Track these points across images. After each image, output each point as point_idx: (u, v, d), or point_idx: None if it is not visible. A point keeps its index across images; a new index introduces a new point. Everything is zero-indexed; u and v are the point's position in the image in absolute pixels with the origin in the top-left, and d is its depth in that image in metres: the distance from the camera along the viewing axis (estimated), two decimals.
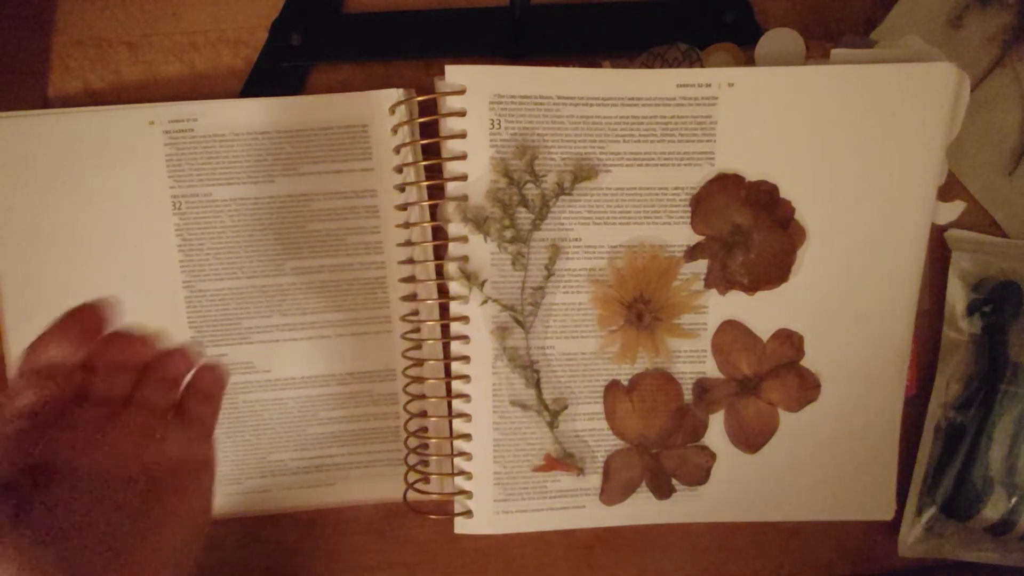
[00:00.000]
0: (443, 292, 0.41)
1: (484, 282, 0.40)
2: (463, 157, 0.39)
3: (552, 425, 0.42)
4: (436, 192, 0.41)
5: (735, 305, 0.41)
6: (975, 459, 0.42)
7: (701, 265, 0.41)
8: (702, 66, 0.41)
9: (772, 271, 0.41)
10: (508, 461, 0.42)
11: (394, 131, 0.41)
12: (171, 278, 0.42)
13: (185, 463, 0.28)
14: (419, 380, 0.42)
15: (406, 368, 0.42)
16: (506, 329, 0.41)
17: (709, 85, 0.39)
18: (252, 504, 0.44)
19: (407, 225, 0.41)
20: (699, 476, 0.43)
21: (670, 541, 0.47)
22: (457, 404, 0.42)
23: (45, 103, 0.43)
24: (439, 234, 0.41)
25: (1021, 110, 0.44)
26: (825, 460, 0.43)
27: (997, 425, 0.42)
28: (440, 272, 0.41)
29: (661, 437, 0.42)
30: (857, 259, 0.40)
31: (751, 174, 0.40)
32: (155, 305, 0.42)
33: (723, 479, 0.43)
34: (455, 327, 0.41)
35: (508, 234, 0.40)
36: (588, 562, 0.47)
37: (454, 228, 0.40)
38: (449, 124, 0.39)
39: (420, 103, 0.40)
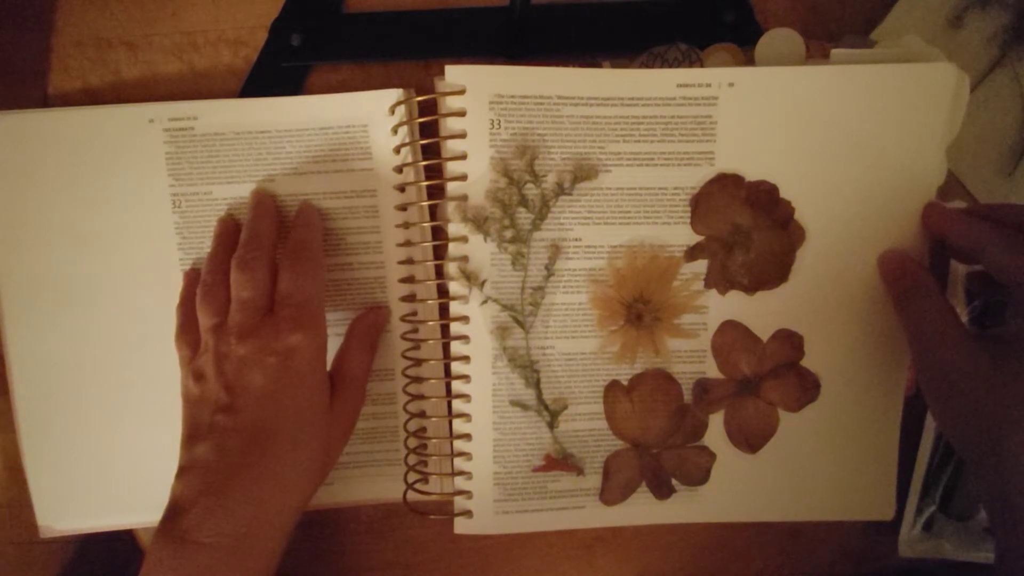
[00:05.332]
0: (443, 292, 0.41)
1: (484, 282, 0.40)
2: (463, 157, 0.39)
3: (552, 425, 0.42)
4: (436, 192, 0.41)
5: (735, 305, 0.41)
6: None
7: (701, 265, 0.41)
8: (702, 66, 0.41)
9: (772, 271, 0.41)
10: (508, 461, 0.42)
11: (394, 131, 0.41)
12: (171, 276, 0.42)
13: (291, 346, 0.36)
14: (418, 380, 0.42)
15: (405, 368, 0.42)
16: (506, 329, 0.41)
17: (709, 85, 0.39)
18: None
19: (407, 225, 0.41)
20: (699, 476, 0.43)
21: (670, 541, 0.47)
22: (457, 404, 0.42)
23: (45, 102, 0.43)
24: (439, 234, 0.41)
25: (1021, 110, 0.44)
26: (825, 460, 0.43)
27: None
28: (440, 272, 0.41)
29: (661, 437, 0.42)
30: (857, 259, 0.40)
31: (751, 174, 0.40)
32: (155, 303, 0.42)
33: (723, 479, 0.43)
34: (455, 327, 0.41)
35: (508, 234, 0.40)
36: (588, 562, 0.47)
37: (454, 228, 0.40)
38: (449, 124, 0.39)
39: (420, 103, 0.40)
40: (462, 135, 0.39)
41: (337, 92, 0.41)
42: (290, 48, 0.43)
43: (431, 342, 0.42)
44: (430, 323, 0.42)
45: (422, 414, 0.43)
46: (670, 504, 0.43)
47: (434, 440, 0.42)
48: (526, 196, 0.40)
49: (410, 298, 0.43)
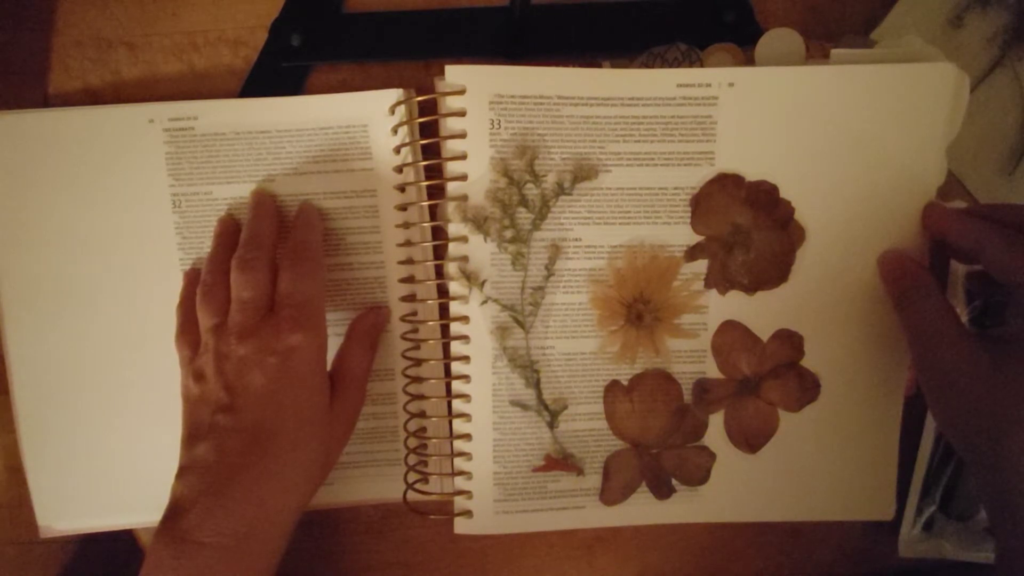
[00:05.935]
0: (443, 292, 0.41)
1: (484, 282, 0.40)
2: (463, 157, 0.39)
3: (552, 425, 0.42)
4: (436, 192, 0.41)
5: (735, 305, 0.41)
6: None
7: (701, 265, 0.41)
8: (702, 66, 0.41)
9: (772, 271, 0.41)
10: (508, 461, 0.42)
11: (394, 131, 0.41)
12: (171, 276, 0.42)
13: (292, 346, 0.37)
14: (418, 380, 0.42)
15: (405, 368, 0.42)
16: (506, 329, 0.41)
17: (709, 85, 0.39)
18: None
19: (407, 225, 0.41)
20: (699, 476, 0.43)
21: (670, 541, 0.47)
22: (457, 404, 0.42)
23: (45, 102, 0.43)
24: (439, 234, 0.41)
25: (1021, 110, 0.44)
26: (825, 460, 0.43)
27: None
28: (440, 272, 0.41)
29: (661, 437, 0.42)
30: (857, 259, 0.40)
31: (751, 174, 0.40)
32: (155, 303, 0.42)
33: (723, 479, 0.43)
34: (455, 327, 0.41)
35: (508, 234, 0.40)
36: (588, 562, 0.47)
37: (454, 228, 0.40)
38: (449, 124, 0.39)
39: (420, 103, 0.40)
40: (462, 135, 0.39)
41: (337, 92, 0.41)
42: (290, 48, 0.43)
43: (431, 342, 0.42)
44: (430, 323, 0.42)
45: (422, 414, 0.43)
46: (670, 504, 0.43)
47: (434, 440, 0.42)
48: (526, 196, 0.40)
49: (410, 298, 0.43)
